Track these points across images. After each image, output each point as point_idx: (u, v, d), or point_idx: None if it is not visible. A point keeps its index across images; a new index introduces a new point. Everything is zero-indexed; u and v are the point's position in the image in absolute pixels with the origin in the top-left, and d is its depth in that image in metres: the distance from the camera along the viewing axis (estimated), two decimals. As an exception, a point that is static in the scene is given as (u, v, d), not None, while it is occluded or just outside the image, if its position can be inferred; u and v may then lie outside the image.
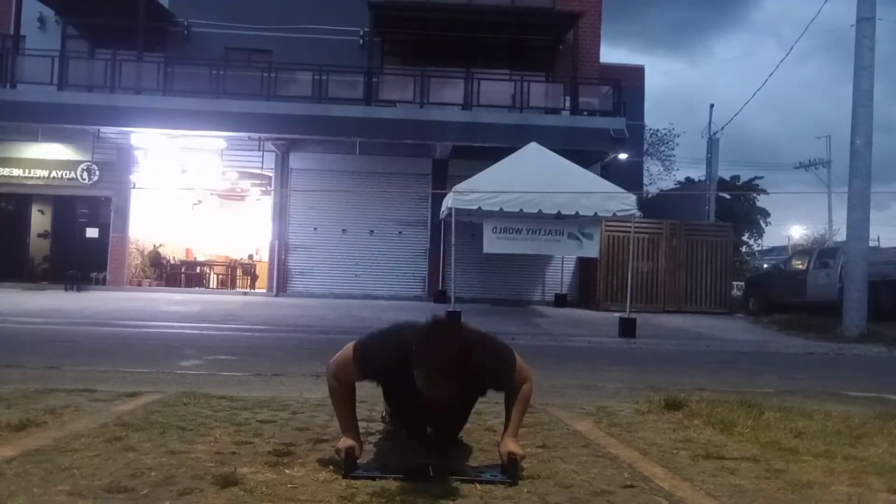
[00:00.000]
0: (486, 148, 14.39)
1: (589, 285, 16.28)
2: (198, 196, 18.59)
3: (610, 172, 16.05)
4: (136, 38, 15.57)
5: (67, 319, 10.31)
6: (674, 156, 32.16)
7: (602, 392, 5.00)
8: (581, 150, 14.71)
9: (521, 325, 11.89)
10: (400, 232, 16.77)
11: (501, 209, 11.51)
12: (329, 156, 16.60)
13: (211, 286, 18.40)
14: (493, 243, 11.89)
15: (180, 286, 17.31)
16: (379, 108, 15.71)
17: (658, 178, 31.84)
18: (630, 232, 13.26)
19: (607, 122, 15.58)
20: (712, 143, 23.24)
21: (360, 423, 2.66)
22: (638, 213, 12.09)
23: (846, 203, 13.00)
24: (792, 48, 41.57)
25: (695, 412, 3.83)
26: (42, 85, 15.44)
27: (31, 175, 16.46)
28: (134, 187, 16.47)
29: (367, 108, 15.50)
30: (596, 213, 11.68)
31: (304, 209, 16.75)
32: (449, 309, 11.13)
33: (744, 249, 32.79)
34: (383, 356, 2.55)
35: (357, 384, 2.70)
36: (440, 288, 15.67)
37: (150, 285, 16.82)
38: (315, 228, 16.73)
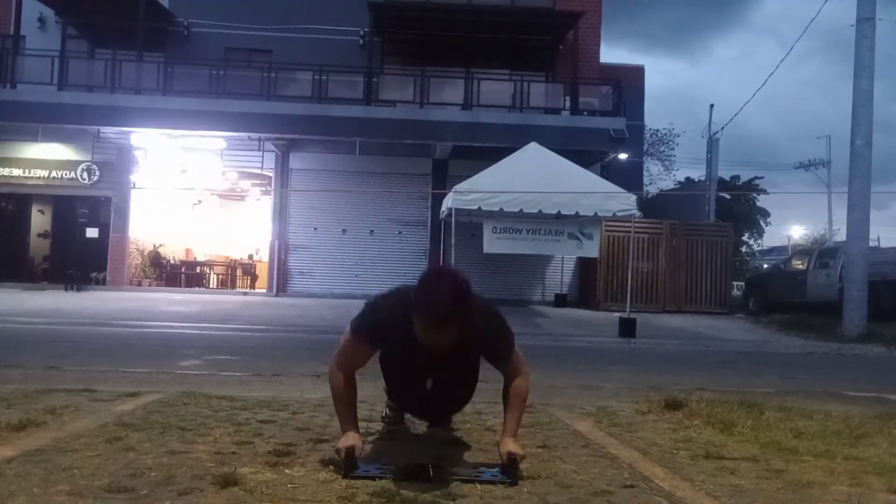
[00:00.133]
0: (486, 148, 14.39)
1: (589, 285, 16.28)
2: (198, 196, 18.59)
3: (610, 172, 16.05)
4: (136, 38, 15.58)
5: (67, 319, 10.31)
6: (674, 156, 32.20)
7: (602, 392, 5.00)
8: (581, 150, 14.72)
9: (521, 325, 11.88)
10: (400, 232, 16.77)
11: (501, 209, 11.52)
12: (329, 156, 16.60)
13: (211, 286, 18.40)
14: (493, 243, 11.90)
15: (180, 286, 17.31)
16: (379, 108, 15.72)
17: (658, 178, 31.88)
18: (630, 232, 13.27)
19: (607, 122, 15.58)
20: (712, 143, 23.25)
21: (360, 424, 2.66)
22: (638, 213, 12.10)
23: (846, 203, 13.00)
24: (792, 48, 41.59)
25: (695, 412, 3.83)
26: (42, 85, 15.45)
27: (31, 175, 16.47)
28: (134, 187, 16.47)
29: (367, 108, 15.50)
30: (596, 213, 11.68)
31: (304, 209, 16.76)
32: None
33: (744, 249, 32.79)
34: (383, 316, 2.58)
35: (356, 386, 2.70)
36: (440, 288, 15.64)
37: (150, 285, 16.82)
38: (315, 228, 16.73)
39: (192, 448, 2.77)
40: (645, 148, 27.13)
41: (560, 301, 15.89)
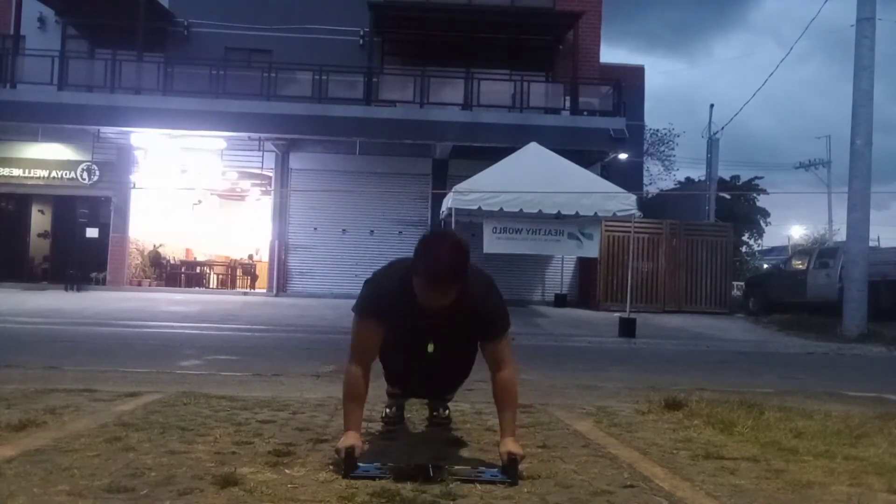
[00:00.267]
0: (486, 148, 14.39)
1: (589, 285, 16.28)
2: (198, 196, 18.59)
3: (610, 172, 16.05)
4: (136, 38, 15.58)
5: (67, 319, 10.31)
6: (674, 156, 32.21)
7: (602, 392, 5.00)
8: (581, 150, 14.72)
9: (521, 325, 11.88)
10: (400, 232, 16.76)
11: (501, 209, 11.52)
12: (329, 156, 16.60)
13: (211, 286, 18.40)
14: (493, 243, 11.89)
15: (180, 286, 17.31)
16: (379, 108, 15.72)
17: (658, 178, 31.89)
18: (630, 232, 13.27)
19: (607, 122, 15.59)
20: (712, 143, 23.25)
21: (362, 422, 2.65)
22: (638, 213, 12.10)
23: (846, 203, 13.01)
24: (792, 48, 41.60)
25: (695, 412, 3.83)
26: (42, 85, 15.45)
27: (31, 175, 16.47)
28: (134, 187, 16.47)
29: (367, 108, 15.50)
30: (596, 213, 11.68)
31: (304, 209, 16.75)
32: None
33: (744, 249, 32.80)
34: (384, 287, 2.63)
35: (367, 385, 2.69)
36: (440, 288, 15.64)
37: (150, 285, 16.82)
38: (315, 228, 16.73)
39: (192, 448, 2.77)
40: (645, 148, 27.14)
41: (560, 301, 15.88)
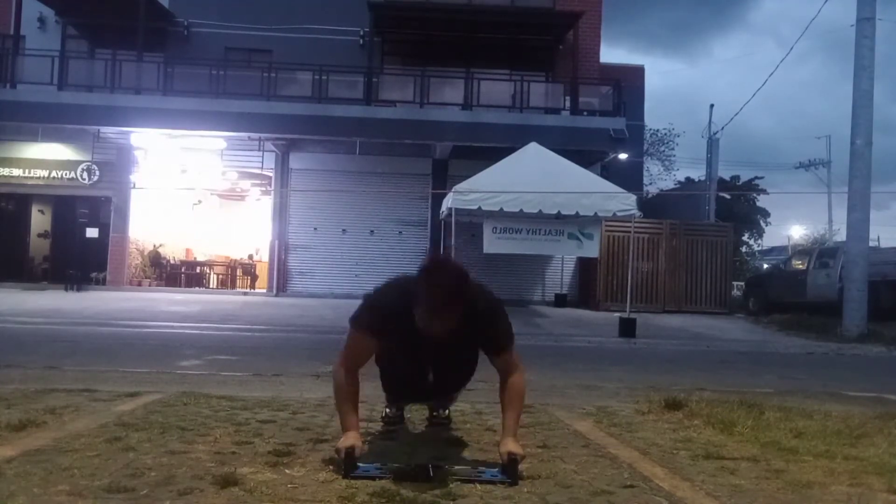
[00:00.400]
0: (486, 148, 14.39)
1: (589, 285, 16.28)
2: (198, 196, 18.59)
3: (610, 172, 16.05)
4: (136, 38, 15.57)
5: (67, 319, 10.31)
6: (674, 156, 32.24)
7: (602, 392, 5.00)
8: (581, 150, 14.71)
9: (521, 325, 11.88)
10: (400, 232, 16.77)
11: (501, 209, 11.52)
12: (329, 156, 16.60)
13: (211, 286, 18.40)
14: (493, 243, 11.90)
15: (180, 286, 17.31)
16: (379, 108, 15.72)
17: (658, 178, 31.91)
18: (630, 232, 13.27)
19: (607, 122, 15.58)
20: (712, 143, 23.25)
21: (360, 423, 2.66)
22: (638, 213, 12.10)
23: (846, 203, 13.01)
24: (792, 48, 41.60)
25: (695, 412, 3.83)
26: (42, 85, 15.45)
27: (31, 175, 16.46)
28: (134, 187, 16.47)
29: (367, 108, 15.50)
30: (596, 213, 11.68)
31: (304, 209, 16.75)
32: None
33: (744, 249, 32.79)
34: (382, 304, 2.62)
35: (358, 385, 2.70)
36: (440, 288, 15.63)
37: (150, 285, 16.82)
38: (315, 228, 16.73)
39: (192, 448, 2.77)
40: (645, 148, 27.14)
41: (560, 301, 15.88)
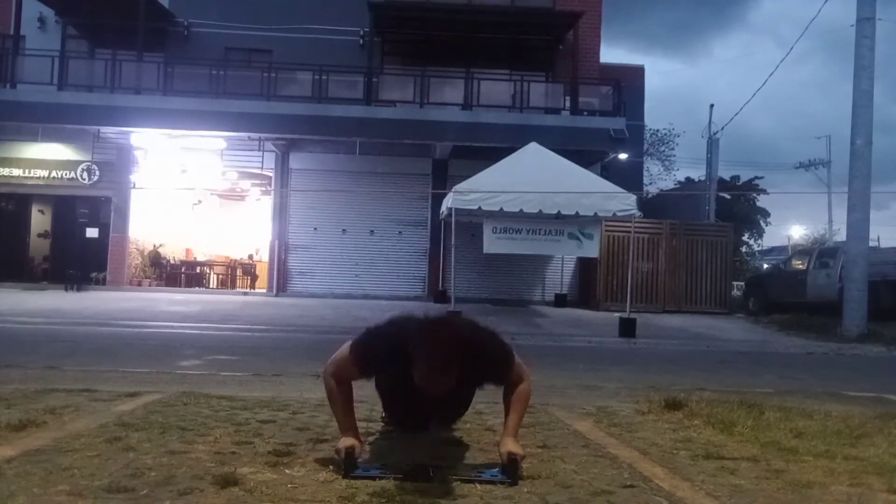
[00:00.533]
0: (486, 148, 14.39)
1: (589, 285, 16.28)
2: (198, 196, 18.59)
3: (610, 172, 16.04)
4: (136, 38, 15.57)
5: (67, 319, 10.31)
6: (674, 156, 32.23)
7: (602, 392, 5.00)
8: (581, 150, 14.71)
9: (521, 325, 11.88)
10: (400, 232, 16.77)
11: (501, 209, 11.52)
12: (329, 156, 16.60)
13: (211, 286, 18.40)
14: (493, 243, 11.89)
15: (180, 286, 17.31)
16: (379, 108, 15.71)
17: (658, 178, 31.90)
18: (630, 232, 13.26)
19: (607, 122, 15.58)
20: (712, 143, 23.25)
21: (360, 424, 2.66)
22: (638, 213, 12.10)
23: (846, 203, 13.00)
24: (792, 48, 41.59)
25: (695, 412, 3.84)
26: (42, 85, 15.44)
27: (31, 175, 16.46)
28: (134, 187, 16.46)
29: (367, 108, 15.50)
30: (596, 213, 11.68)
31: (304, 209, 16.75)
32: (449, 309, 11.12)
33: (744, 249, 32.80)
34: (380, 354, 2.57)
35: (355, 384, 2.71)
36: (440, 288, 15.67)
37: (150, 285, 16.82)
38: (315, 228, 16.73)
39: (192, 448, 2.77)
40: (645, 148, 27.13)
41: (560, 301, 15.89)
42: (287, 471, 2.49)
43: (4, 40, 16.69)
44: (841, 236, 24.17)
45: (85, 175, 16.40)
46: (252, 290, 17.74)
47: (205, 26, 17.10)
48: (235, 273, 19.02)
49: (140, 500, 2.13)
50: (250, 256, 19.65)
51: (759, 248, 35.72)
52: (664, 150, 31.90)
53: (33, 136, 16.34)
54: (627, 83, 17.74)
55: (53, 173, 16.47)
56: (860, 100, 12.47)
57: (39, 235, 17.94)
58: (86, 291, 15.04)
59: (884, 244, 20.83)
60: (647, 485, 2.47)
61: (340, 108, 15.44)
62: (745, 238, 33.92)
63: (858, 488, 2.51)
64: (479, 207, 11.65)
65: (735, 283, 20.04)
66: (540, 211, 11.48)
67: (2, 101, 15.36)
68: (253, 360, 6.68)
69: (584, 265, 16.40)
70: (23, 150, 16.54)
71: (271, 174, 16.88)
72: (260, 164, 16.81)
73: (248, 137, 16.14)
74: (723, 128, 23.80)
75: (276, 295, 16.16)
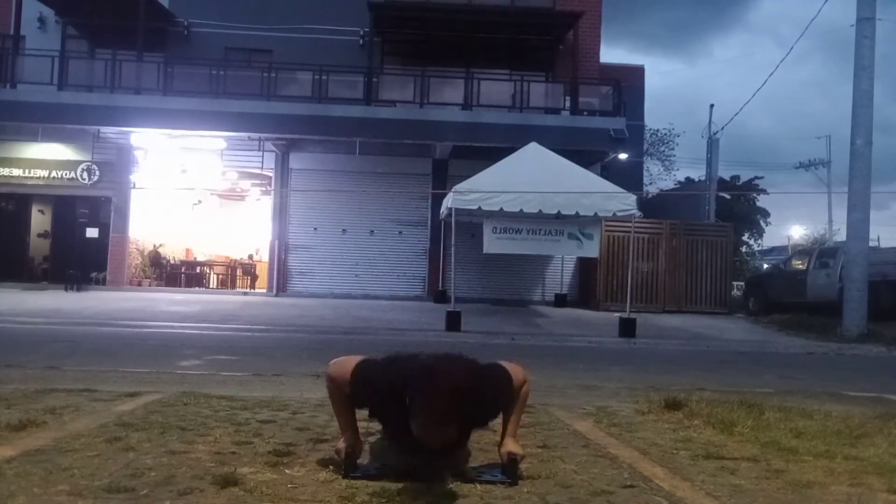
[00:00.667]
0: (486, 148, 14.39)
1: (589, 285, 16.29)
2: (198, 196, 18.59)
3: (610, 172, 16.05)
4: (136, 38, 15.57)
5: (67, 319, 10.31)
6: (674, 156, 32.23)
7: (602, 392, 5.00)
8: (581, 150, 14.71)
9: (521, 325, 11.89)
10: (400, 232, 16.77)
11: (501, 209, 11.51)
12: (329, 156, 16.60)
13: (211, 286, 18.40)
14: (493, 243, 11.89)
15: (180, 286, 17.31)
16: (379, 108, 15.71)
17: (658, 178, 31.90)
18: (630, 232, 13.26)
19: (607, 122, 15.58)
20: (712, 143, 23.25)
21: (360, 424, 2.66)
22: (638, 213, 12.09)
23: (846, 203, 13.00)
24: (792, 48, 41.59)
25: (695, 412, 3.84)
26: (42, 85, 15.44)
27: (31, 175, 16.47)
28: (134, 187, 16.46)
29: (367, 108, 15.50)
30: (596, 213, 11.67)
31: (304, 209, 16.76)
32: (449, 309, 11.13)
33: (744, 249, 32.80)
34: (376, 396, 2.47)
35: None
36: (440, 288, 15.68)
37: (150, 285, 16.82)
38: (315, 228, 16.73)
39: (192, 448, 2.77)
40: (645, 148, 27.13)
41: (560, 301, 15.89)
42: (287, 471, 2.49)
43: (4, 40, 16.69)
44: (841, 236, 24.19)
45: (85, 175, 16.40)
46: (252, 290, 17.74)
47: (205, 26, 17.11)
48: (235, 273, 19.02)
49: (140, 500, 2.13)
50: (250, 256, 19.65)
51: (759, 248, 35.75)
52: (664, 150, 31.93)
53: (33, 136, 16.34)
54: (627, 83, 17.75)
55: (53, 173, 16.47)
56: (860, 100, 12.47)
57: (39, 235, 17.94)
58: (86, 291, 15.05)
59: (884, 244, 20.85)
60: (647, 485, 2.47)
61: (340, 108, 15.44)
62: (745, 238, 33.93)
63: (858, 488, 2.51)
64: (479, 207, 11.65)
65: (735, 283, 20.05)
66: (540, 211, 11.48)
67: (2, 101, 15.36)
68: (253, 360, 6.68)
69: (584, 265, 16.40)
70: (23, 150, 16.54)
71: (271, 174, 16.88)
72: (260, 164, 16.81)
73: (248, 137, 16.14)
74: (723, 128, 23.83)
75: (276, 295, 16.16)
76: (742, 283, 21.67)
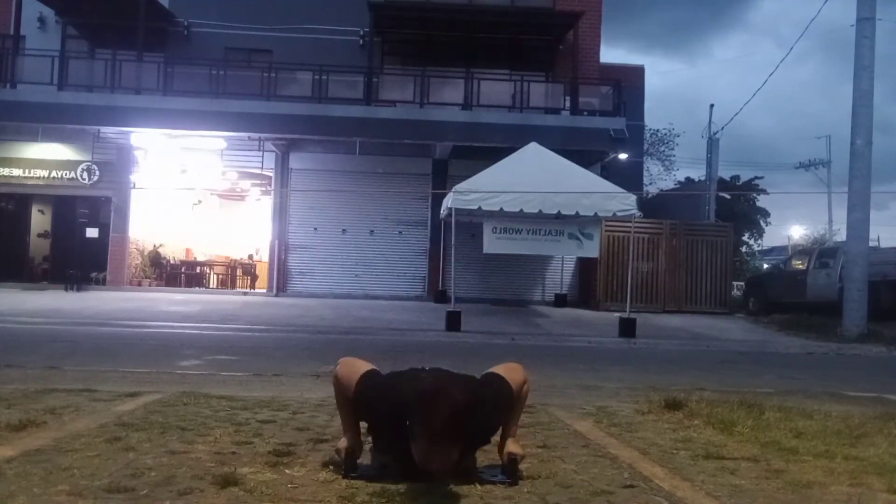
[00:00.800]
0: (486, 148, 14.39)
1: (589, 285, 16.29)
2: (198, 196, 18.59)
3: (610, 172, 16.05)
4: (136, 38, 15.57)
5: (67, 319, 10.31)
6: (674, 156, 32.22)
7: (602, 392, 5.00)
8: (581, 150, 14.71)
9: (521, 325, 11.89)
10: (400, 232, 16.77)
11: (501, 209, 11.51)
12: (329, 156, 16.61)
13: (211, 286, 18.41)
14: (493, 243, 11.89)
15: (180, 286, 17.31)
16: (379, 108, 15.71)
17: (658, 178, 31.89)
18: (630, 232, 13.26)
19: (607, 122, 15.58)
20: (712, 143, 23.24)
21: (360, 424, 2.66)
22: (638, 213, 12.09)
23: (846, 203, 13.01)
24: (792, 48, 41.60)
25: (695, 412, 3.84)
26: (42, 85, 15.45)
27: (31, 175, 16.47)
28: (134, 187, 16.46)
29: (367, 108, 15.50)
30: (596, 213, 11.67)
31: (304, 209, 16.76)
32: (449, 309, 11.13)
33: (744, 249, 32.80)
34: (377, 414, 2.46)
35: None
36: (440, 288, 15.68)
37: (150, 285, 16.82)
38: (315, 228, 16.73)
39: (192, 448, 2.77)
40: (645, 148, 27.13)
41: (560, 301, 15.89)
42: (287, 471, 2.49)
43: (4, 40, 16.69)
44: (841, 236, 24.19)
45: (85, 175, 16.40)
46: (252, 290, 17.74)
47: (205, 26, 17.11)
48: (235, 273, 19.02)
49: (140, 500, 2.13)
50: (250, 256, 19.65)
51: (759, 248, 35.77)
52: (664, 150, 31.92)
53: (33, 136, 16.34)
54: (627, 83, 17.75)
55: (53, 173, 16.47)
56: (860, 100, 12.47)
57: (39, 235, 17.94)
58: (86, 291, 15.05)
59: (884, 244, 20.84)
60: (647, 485, 2.47)
61: (340, 108, 15.44)
62: (745, 238, 33.92)
63: (858, 488, 2.51)
64: (479, 207, 11.65)
65: (735, 283, 20.04)
66: (540, 211, 11.48)
67: (2, 101, 15.37)
68: (253, 360, 6.68)
69: (584, 265, 16.41)
70: (23, 150, 16.54)
71: (271, 174, 16.88)
72: (260, 164, 16.81)
73: (248, 137, 16.14)
74: (723, 128, 23.81)
75: (276, 295, 16.16)
76: (742, 283, 21.67)
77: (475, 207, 11.71)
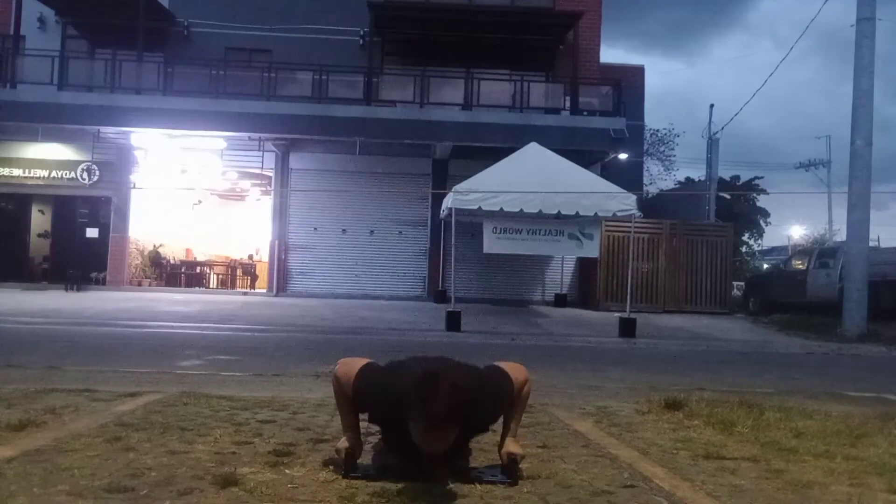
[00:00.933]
0: (486, 148, 14.40)
1: (589, 285, 16.29)
2: (198, 196, 18.59)
3: (610, 172, 16.04)
4: (136, 38, 15.57)
5: (67, 319, 10.31)
6: (674, 156, 32.20)
7: (602, 392, 5.00)
8: (581, 150, 14.72)
9: (521, 325, 11.89)
10: (400, 232, 16.77)
11: (501, 209, 11.51)
12: (329, 156, 16.61)
13: (211, 286, 18.41)
14: (493, 243, 11.89)
15: (180, 286, 17.32)
16: (379, 108, 15.72)
17: (658, 178, 31.87)
18: (630, 232, 13.26)
19: (607, 122, 15.58)
20: (712, 143, 23.26)
21: (361, 424, 2.66)
22: (638, 213, 12.09)
23: (846, 203, 13.01)
24: (792, 48, 41.61)
25: (695, 412, 3.84)
26: (42, 85, 15.44)
27: (31, 175, 16.47)
28: (134, 187, 16.46)
29: (367, 108, 15.50)
30: (596, 213, 11.67)
31: (304, 209, 16.76)
32: (449, 309, 11.13)
33: (744, 249, 32.78)
34: (377, 402, 2.47)
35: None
36: (440, 288, 15.68)
37: (150, 285, 16.82)
38: (315, 228, 16.73)
39: (192, 448, 2.77)
40: (645, 148, 27.12)
41: (560, 301, 15.89)
42: (287, 471, 2.49)
43: (4, 40, 16.68)
44: (841, 236, 24.19)
45: (85, 175, 16.40)
46: (252, 290, 17.75)
47: (205, 26, 17.11)
48: (235, 273, 19.03)
49: (140, 500, 2.13)
50: (250, 256, 19.65)
51: (759, 248, 35.73)
52: (664, 150, 31.90)
53: (33, 136, 16.33)
54: (627, 83, 17.75)
55: (53, 173, 16.47)
56: (860, 100, 12.47)
57: (39, 235, 17.95)
58: (86, 291, 15.05)
59: (884, 244, 20.82)
60: (647, 485, 2.47)
61: (340, 108, 15.44)
62: (745, 238, 33.90)
63: (858, 488, 2.51)
64: (479, 207, 11.65)
65: (735, 283, 20.03)
66: (540, 211, 11.48)
67: (2, 101, 15.36)
68: (253, 360, 6.68)
69: (584, 265, 16.41)
70: (23, 150, 16.55)
71: (271, 174, 16.88)
72: (260, 164, 16.81)
73: (248, 137, 16.14)
74: (723, 128, 23.86)
75: (276, 295, 16.16)
76: (742, 283, 21.66)
77: (475, 207, 11.71)
